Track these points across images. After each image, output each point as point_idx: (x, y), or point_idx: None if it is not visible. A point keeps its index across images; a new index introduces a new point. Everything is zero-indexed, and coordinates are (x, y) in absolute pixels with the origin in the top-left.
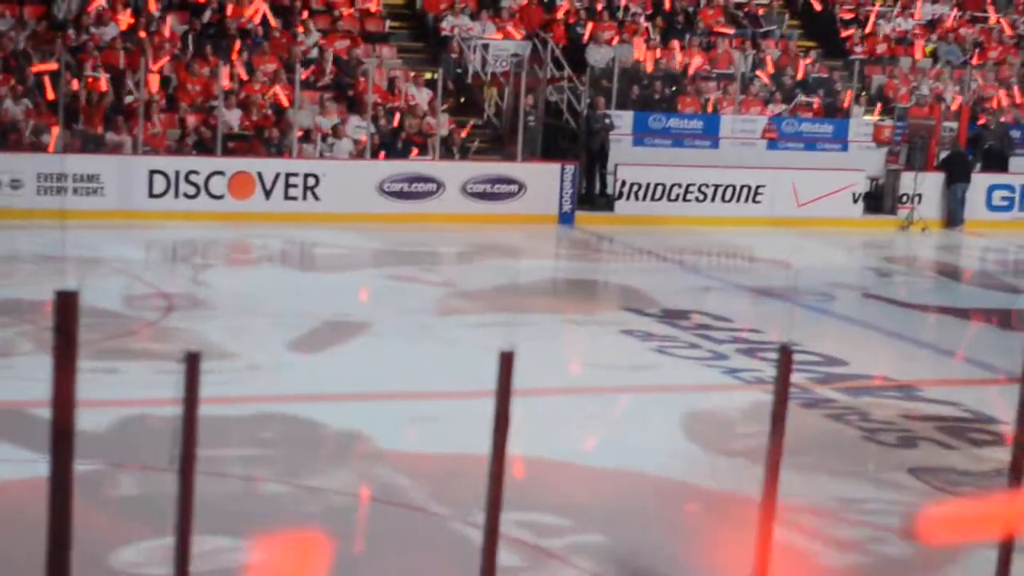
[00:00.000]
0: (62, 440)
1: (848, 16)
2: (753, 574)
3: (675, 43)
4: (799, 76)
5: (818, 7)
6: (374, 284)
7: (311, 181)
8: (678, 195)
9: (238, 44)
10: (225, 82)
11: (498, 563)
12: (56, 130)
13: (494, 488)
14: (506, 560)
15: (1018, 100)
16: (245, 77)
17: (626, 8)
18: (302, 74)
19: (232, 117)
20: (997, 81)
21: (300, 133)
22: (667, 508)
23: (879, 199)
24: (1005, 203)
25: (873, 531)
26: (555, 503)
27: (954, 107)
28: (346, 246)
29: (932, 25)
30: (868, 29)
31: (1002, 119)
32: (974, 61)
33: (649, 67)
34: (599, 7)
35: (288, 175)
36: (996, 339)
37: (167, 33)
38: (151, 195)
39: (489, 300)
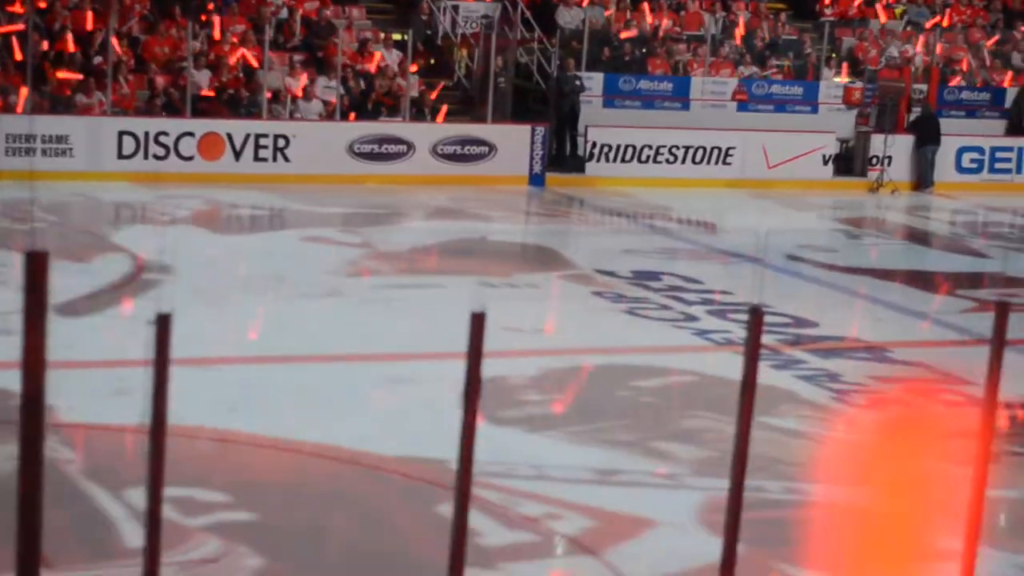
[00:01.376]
0: (33, 403)
1: None
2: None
3: (645, 5)
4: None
5: None
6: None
7: (281, 142)
8: (648, 157)
9: (210, 6)
10: (194, 44)
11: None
12: (24, 91)
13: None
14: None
15: (987, 62)
16: (218, 37)
17: None
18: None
19: (201, 78)
20: (966, 43)
21: (269, 95)
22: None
23: (849, 161)
24: (974, 165)
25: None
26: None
27: (920, 70)
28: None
29: None
30: None
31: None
32: (944, 23)
33: (622, 33)
34: None
35: (258, 136)
36: (966, 300)
37: None
38: (120, 156)
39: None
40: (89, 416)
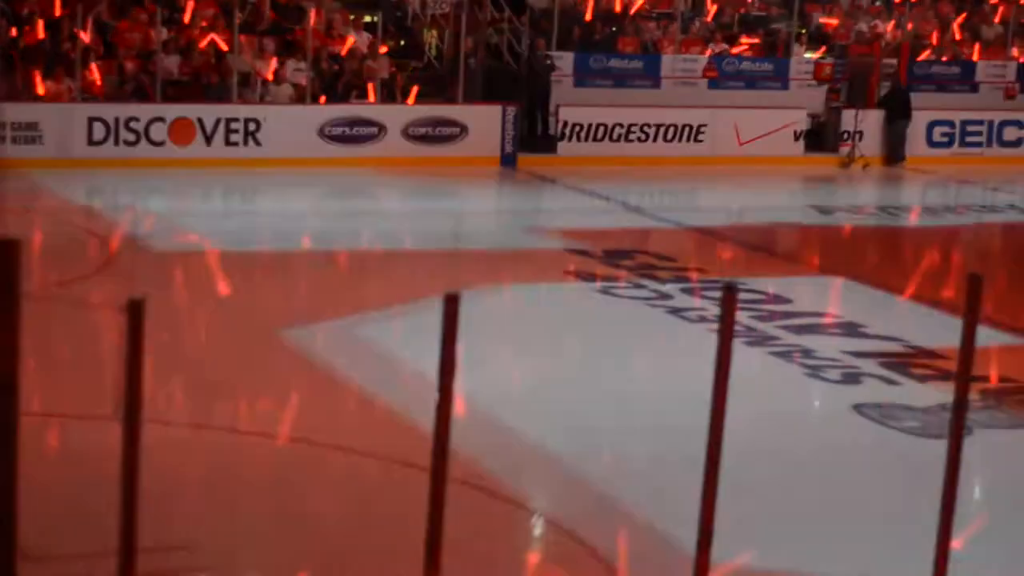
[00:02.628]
0: (6, 393)
1: None
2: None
3: None
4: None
5: None
6: None
7: (252, 126)
8: (620, 135)
9: None
10: (163, 29)
11: None
12: None
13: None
14: None
15: (957, 36)
16: (187, 21)
17: None
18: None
19: (171, 63)
20: (936, 18)
21: (239, 79)
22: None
23: (820, 137)
24: (945, 139)
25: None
26: None
27: (890, 45)
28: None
29: None
30: None
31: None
32: None
33: (588, 14)
34: None
35: (229, 120)
36: (937, 275)
37: None
38: (90, 143)
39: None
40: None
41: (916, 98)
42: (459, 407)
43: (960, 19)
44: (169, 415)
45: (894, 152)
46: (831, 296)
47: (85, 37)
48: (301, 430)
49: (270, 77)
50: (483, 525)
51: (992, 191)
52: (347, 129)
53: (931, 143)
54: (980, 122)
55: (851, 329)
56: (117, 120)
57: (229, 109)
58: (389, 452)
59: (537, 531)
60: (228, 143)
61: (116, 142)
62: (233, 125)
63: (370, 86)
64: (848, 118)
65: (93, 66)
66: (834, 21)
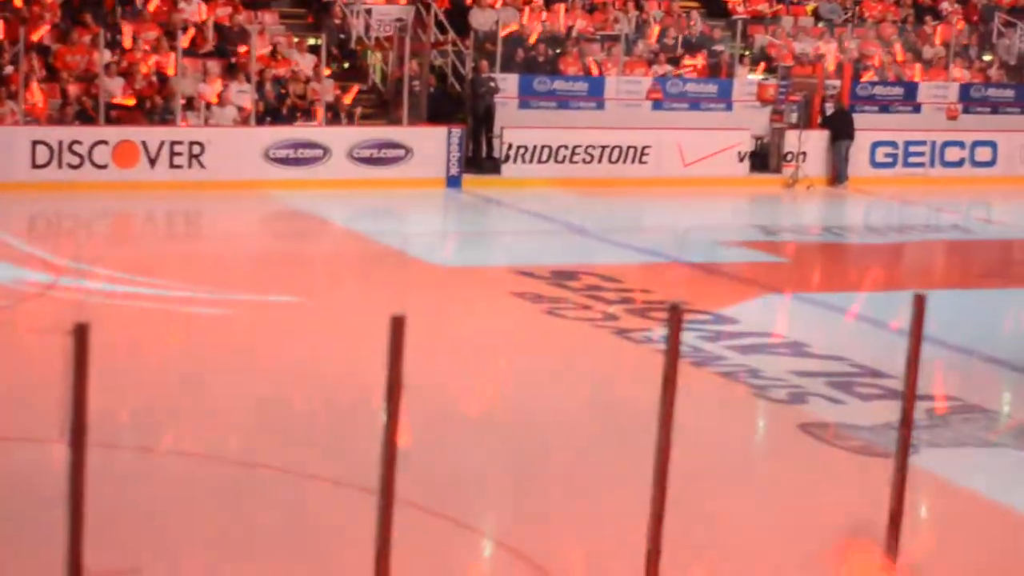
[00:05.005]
0: None
1: None
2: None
3: (559, 6)
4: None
5: None
6: None
7: (196, 149)
8: (565, 157)
9: (119, 12)
10: (106, 52)
11: None
12: None
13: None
14: None
15: (899, 58)
16: (128, 46)
17: None
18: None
19: (115, 86)
20: (878, 39)
21: (183, 101)
22: None
23: (764, 158)
24: (889, 159)
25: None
26: None
27: (833, 66)
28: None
29: None
30: None
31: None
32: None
33: (533, 38)
34: None
35: (173, 143)
36: (882, 294)
37: (47, 1)
38: (34, 166)
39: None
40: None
41: (859, 119)
42: (402, 426)
43: (901, 41)
44: (115, 438)
45: (838, 173)
46: (777, 316)
47: (31, 57)
48: (246, 451)
49: (214, 100)
50: (424, 544)
51: (936, 211)
52: (292, 151)
53: (874, 163)
54: (923, 142)
55: (797, 348)
56: (60, 143)
57: (173, 132)
58: (333, 473)
59: (479, 550)
60: (172, 166)
61: (59, 165)
62: (177, 148)
63: (315, 109)
64: (792, 139)
65: (36, 88)
66: (778, 42)
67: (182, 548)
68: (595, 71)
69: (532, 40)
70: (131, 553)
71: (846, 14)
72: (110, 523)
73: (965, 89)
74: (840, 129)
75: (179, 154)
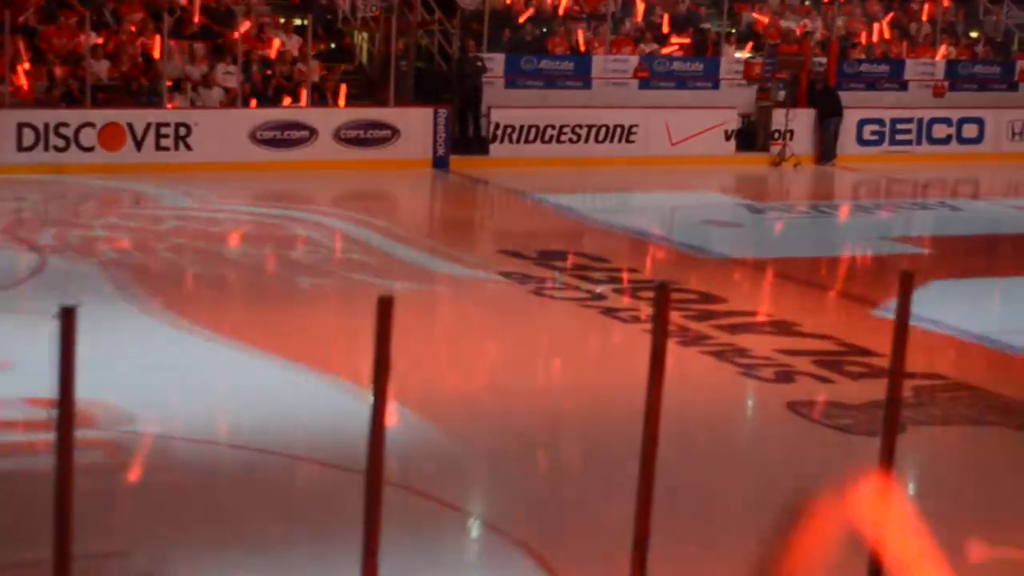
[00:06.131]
0: None
1: None
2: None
3: None
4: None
5: None
6: None
7: (182, 131)
8: (552, 136)
9: None
10: (92, 34)
11: None
12: None
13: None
14: None
15: (886, 35)
16: (114, 27)
17: None
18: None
19: (101, 68)
20: (865, 16)
21: (170, 83)
22: None
23: (751, 136)
24: (875, 137)
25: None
26: None
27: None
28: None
29: None
30: None
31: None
32: None
33: (522, 17)
34: None
35: (159, 125)
36: (869, 272)
37: None
38: (20, 148)
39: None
40: None
41: (846, 97)
42: (391, 409)
43: (888, 18)
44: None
45: (825, 151)
46: (764, 295)
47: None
48: (235, 433)
49: (200, 81)
50: (416, 528)
51: (923, 188)
52: (278, 133)
53: (861, 141)
54: (910, 120)
55: (784, 328)
56: (47, 125)
57: (159, 114)
58: (322, 455)
59: (472, 534)
60: (159, 147)
61: (46, 147)
62: (163, 130)
63: (301, 90)
64: (779, 117)
65: (21, 71)
66: (764, 19)
67: (168, 531)
68: (583, 48)
69: (521, 20)
70: (118, 536)
71: None
72: (96, 508)
73: (952, 66)
74: (828, 107)
75: (165, 136)
